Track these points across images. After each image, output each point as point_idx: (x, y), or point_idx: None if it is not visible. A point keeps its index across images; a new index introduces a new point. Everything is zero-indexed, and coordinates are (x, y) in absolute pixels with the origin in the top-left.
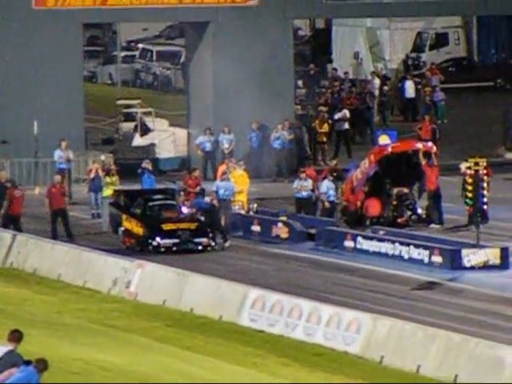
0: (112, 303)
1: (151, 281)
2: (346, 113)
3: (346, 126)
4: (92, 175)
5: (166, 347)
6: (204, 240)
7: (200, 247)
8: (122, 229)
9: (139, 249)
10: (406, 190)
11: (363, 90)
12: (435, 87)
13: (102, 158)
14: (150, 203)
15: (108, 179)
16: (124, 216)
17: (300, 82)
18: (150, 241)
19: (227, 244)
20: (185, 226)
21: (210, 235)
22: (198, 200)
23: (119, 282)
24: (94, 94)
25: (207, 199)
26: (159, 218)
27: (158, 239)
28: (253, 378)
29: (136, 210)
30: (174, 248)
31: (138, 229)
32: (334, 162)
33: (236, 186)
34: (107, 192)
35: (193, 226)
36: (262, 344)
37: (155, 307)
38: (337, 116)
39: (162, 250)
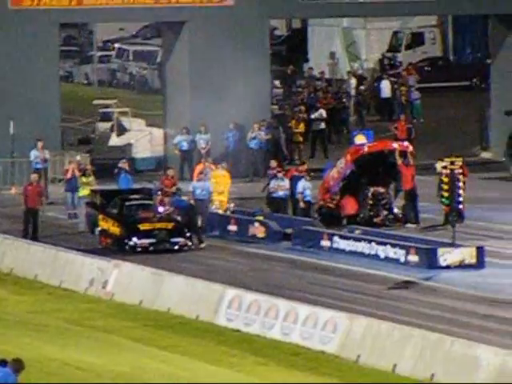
0: (89, 303)
1: (128, 281)
2: (322, 112)
3: (322, 125)
4: (68, 175)
5: (143, 347)
6: (181, 240)
7: (177, 247)
8: (99, 229)
9: (116, 249)
10: (382, 190)
11: (339, 89)
12: (411, 87)
13: (78, 158)
14: (127, 203)
15: (84, 179)
16: (101, 216)
17: (277, 82)
18: (126, 241)
19: (202, 245)
20: (161, 225)
21: (187, 235)
22: (177, 198)
23: (96, 282)
24: (70, 94)
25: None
26: (136, 218)
27: (134, 239)
28: (229, 377)
29: (113, 209)
30: (151, 248)
31: (114, 229)
32: (304, 166)
33: (217, 186)
34: (83, 192)
35: (169, 225)
36: (239, 343)
37: (132, 307)
38: (313, 116)
39: (139, 249)
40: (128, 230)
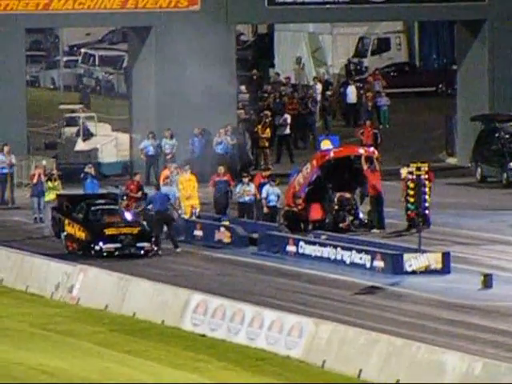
0: (55, 308)
1: (94, 285)
2: (287, 118)
3: (287, 130)
4: (35, 180)
5: (109, 352)
6: (146, 244)
7: (142, 252)
8: (65, 233)
9: (82, 253)
10: (347, 195)
11: (305, 95)
12: (378, 92)
13: (44, 162)
14: (93, 208)
15: (50, 184)
16: (66, 221)
17: (243, 87)
18: (92, 245)
19: (178, 250)
20: (127, 230)
21: (153, 240)
22: (160, 194)
23: (62, 286)
24: (36, 99)
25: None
26: (102, 223)
27: (100, 244)
28: (195, 382)
29: (78, 214)
30: (117, 252)
31: (80, 233)
32: (267, 172)
33: (184, 191)
34: (49, 197)
35: (135, 230)
36: (205, 348)
37: (98, 312)
38: (277, 121)
39: (105, 254)
40: (94, 234)
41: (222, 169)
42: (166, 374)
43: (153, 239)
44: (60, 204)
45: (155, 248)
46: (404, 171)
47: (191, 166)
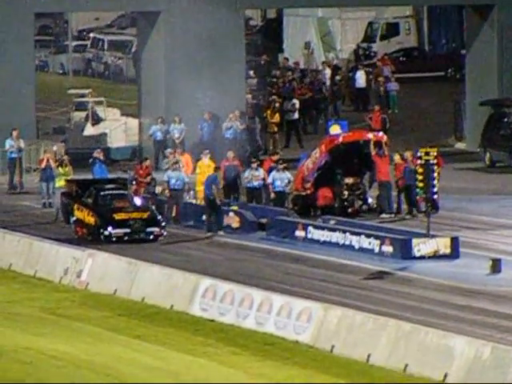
0: (63, 293)
1: (102, 270)
2: (296, 103)
3: (296, 115)
4: (43, 165)
5: (118, 336)
6: (156, 229)
7: (152, 237)
8: (74, 218)
9: (91, 238)
10: (356, 180)
11: (315, 79)
12: (387, 77)
13: (54, 148)
14: (102, 193)
15: (61, 170)
16: (76, 206)
17: (251, 72)
18: (101, 230)
19: (221, 232)
20: (137, 215)
21: (162, 224)
22: (213, 176)
23: (70, 271)
24: (45, 84)
25: (159, 188)
26: (111, 208)
27: (109, 229)
28: (203, 366)
29: (88, 199)
30: (126, 237)
31: (89, 218)
32: (276, 155)
33: (201, 176)
34: (60, 183)
35: (145, 215)
36: (213, 333)
37: (106, 296)
38: (286, 106)
39: (114, 239)
40: (103, 219)
41: (231, 154)
42: (175, 358)
43: (163, 224)
44: (69, 189)
45: (164, 233)
46: (396, 157)
47: (199, 151)
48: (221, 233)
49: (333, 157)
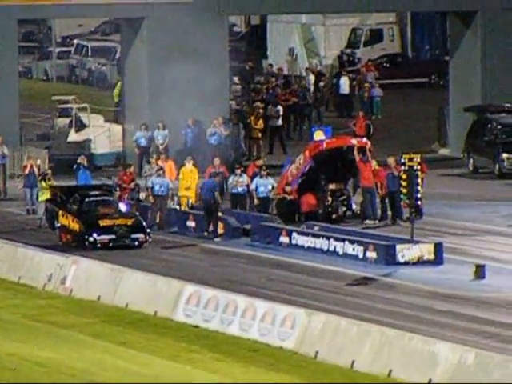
0: (47, 299)
1: (86, 276)
2: (279, 109)
3: (280, 122)
4: (27, 171)
5: (101, 343)
6: (141, 236)
7: (137, 243)
8: (59, 225)
9: (76, 245)
10: (340, 186)
11: (299, 86)
12: (371, 83)
13: (38, 162)
14: (87, 199)
15: (44, 184)
16: (60, 212)
17: (235, 78)
18: (86, 237)
19: (217, 239)
20: (121, 221)
21: (147, 231)
22: (211, 181)
23: (54, 277)
24: (29, 90)
25: (143, 194)
26: (96, 214)
27: (94, 235)
28: (187, 373)
29: (73, 206)
30: (111, 244)
31: (74, 225)
32: (260, 160)
33: (184, 182)
34: (43, 197)
35: (129, 221)
36: (197, 339)
37: (90, 303)
38: (269, 112)
39: (99, 245)
40: (88, 225)
41: (217, 160)
42: (159, 365)
43: (147, 230)
44: (54, 195)
45: (149, 239)
46: (373, 163)
47: (183, 157)
48: (217, 239)
49: (317, 163)
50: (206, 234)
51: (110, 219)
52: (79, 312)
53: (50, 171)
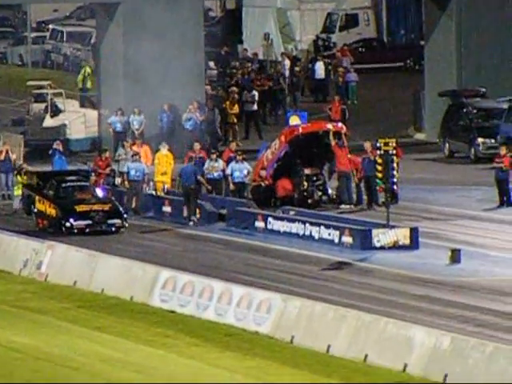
0: (23, 284)
1: (62, 262)
2: (255, 94)
3: (255, 107)
4: (2, 157)
5: (77, 328)
6: (117, 221)
7: (113, 229)
8: (35, 210)
9: (52, 230)
10: (316, 171)
11: (275, 70)
12: (346, 68)
13: (14, 156)
14: (63, 184)
15: (20, 179)
16: (37, 197)
17: (211, 63)
18: (63, 222)
19: (191, 223)
20: (98, 207)
21: (124, 216)
22: (191, 166)
23: (30, 263)
24: (4, 75)
25: (118, 180)
26: (72, 200)
27: (71, 220)
28: (163, 358)
29: (49, 191)
30: (88, 229)
31: (51, 210)
32: (233, 144)
33: (160, 167)
34: (18, 191)
35: (106, 207)
36: (173, 324)
37: (66, 288)
38: (244, 97)
39: (76, 231)
40: (64, 211)
41: (197, 145)
42: (135, 350)
43: (124, 215)
44: (31, 181)
45: (126, 225)
46: None
47: (159, 142)
48: (191, 223)
49: (292, 148)
50: (190, 222)
51: (87, 205)
52: (55, 297)
53: (25, 165)
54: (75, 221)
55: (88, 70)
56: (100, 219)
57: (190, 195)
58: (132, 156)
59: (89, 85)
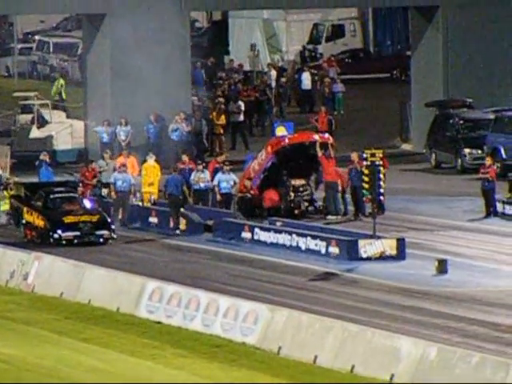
0: (10, 295)
1: (48, 273)
2: (241, 105)
3: (241, 117)
4: None
5: (64, 339)
6: (105, 232)
7: (102, 240)
8: (24, 221)
9: (40, 241)
10: (303, 182)
11: (261, 81)
12: (333, 79)
13: (1, 172)
14: (51, 196)
15: (6, 194)
16: (25, 209)
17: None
18: (51, 233)
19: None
20: (86, 218)
21: (112, 227)
22: (176, 176)
23: (17, 274)
24: None
25: (105, 190)
26: (60, 211)
27: (59, 232)
28: (149, 369)
29: (37, 202)
30: (76, 241)
31: (39, 221)
32: (222, 156)
33: (147, 177)
34: (5, 207)
35: (94, 218)
36: (160, 335)
37: (53, 299)
38: (230, 108)
39: (64, 242)
40: (52, 222)
41: (186, 157)
42: (121, 361)
43: (112, 227)
44: (19, 192)
45: (114, 236)
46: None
47: (145, 153)
48: (178, 231)
49: (279, 158)
50: (177, 231)
51: (75, 216)
52: (42, 308)
53: (12, 180)
54: (63, 232)
55: (61, 81)
56: (88, 230)
57: (176, 205)
58: (119, 167)
59: (64, 96)
